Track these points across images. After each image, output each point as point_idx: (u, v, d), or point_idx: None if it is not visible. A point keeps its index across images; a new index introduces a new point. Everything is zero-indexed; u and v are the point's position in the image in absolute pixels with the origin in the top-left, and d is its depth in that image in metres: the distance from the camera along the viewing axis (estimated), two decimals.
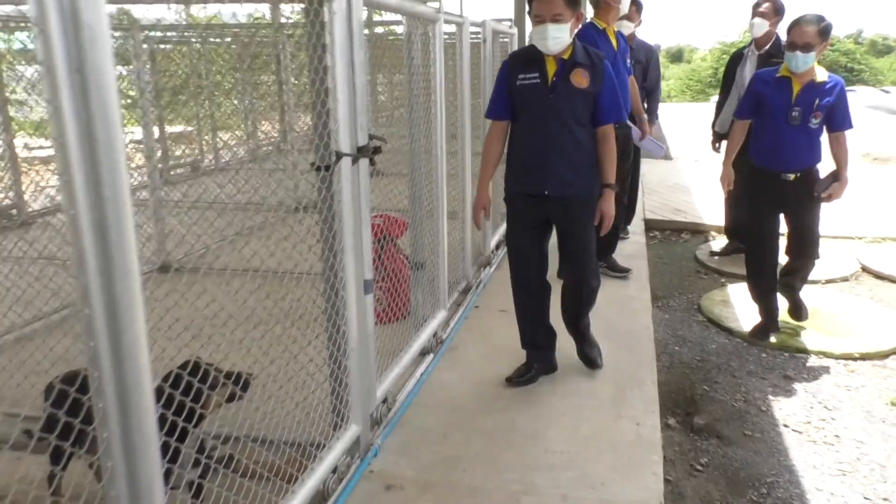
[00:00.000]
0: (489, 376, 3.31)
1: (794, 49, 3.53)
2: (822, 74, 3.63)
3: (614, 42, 4.52)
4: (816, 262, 3.97)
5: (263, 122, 9.10)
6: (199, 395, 1.89)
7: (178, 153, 8.34)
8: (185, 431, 1.80)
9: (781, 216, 3.90)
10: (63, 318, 4.03)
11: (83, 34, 1.20)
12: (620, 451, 2.72)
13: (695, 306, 4.72)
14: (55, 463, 2.23)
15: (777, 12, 5.00)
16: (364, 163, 2.48)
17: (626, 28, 5.11)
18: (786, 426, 3.23)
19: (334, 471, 2.42)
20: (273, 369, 2.41)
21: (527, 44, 3.59)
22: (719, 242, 6.03)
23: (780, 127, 3.67)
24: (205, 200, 6.16)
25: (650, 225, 6.61)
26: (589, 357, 3.40)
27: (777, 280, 4.02)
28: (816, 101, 3.60)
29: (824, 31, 3.53)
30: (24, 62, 5.77)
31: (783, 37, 4.28)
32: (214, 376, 1.97)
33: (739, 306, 4.60)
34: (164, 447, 1.55)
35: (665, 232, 6.58)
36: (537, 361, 3.31)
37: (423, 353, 3.51)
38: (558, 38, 2.87)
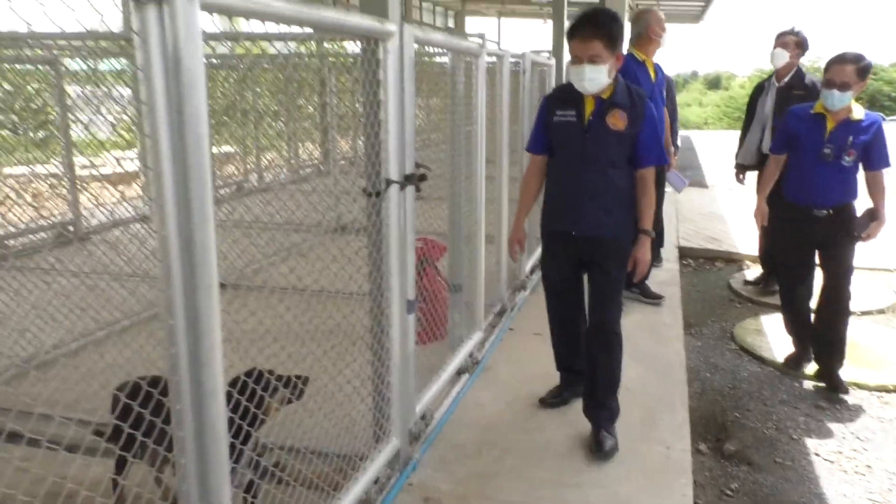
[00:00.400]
0: (523, 396, 3.42)
1: (831, 87, 3.52)
2: (858, 112, 3.59)
3: (653, 74, 4.64)
4: (849, 317, 3.88)
5: (305, 144, 9.40)
6: (260, 400, 2.05)
7: (224, 173, 8.64)
8: (247, 433, 1.95)
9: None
10: (123, 328, 4.24)
11: (184, 78, 1.38)
12: (650, 473, 2.80)
13: (728, 334, 4.76)
14: (118, 471, 2.39)
15: (799, 45, 5.03)
16: (410, 189, 2.64)
17: (781, 57, 5.06)
18: (817, 455, 3.27)
19: (376, 481, 2.56)
20: (320, 383, 2.56)
21: (565, 78, 3.64)
22: (753, 272, 6.05)
23: (811, 163, 3.66)
24: (254, 220, 6.40)
25: (684, 253, 6.66)
26: (598, 440, 2.96)
27: (809, 312, 3.99)
28: (850, 139, 3.58)
29: (863, 71, 3.50)
30: (89, 84, 6.13)
31: (817, 73, 4.36)
32: (273, 383, 2.12)
33: (773, 336, 4.64)
34: (229, 447, 1.70)
35: (699, 260, 6.63)
36: (571, 385, 3.35)
37: (460, 372, 3.63)
38: (595, 79, 2.80)
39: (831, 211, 3.66)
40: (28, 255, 5.88)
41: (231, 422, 1.76)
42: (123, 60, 5.51)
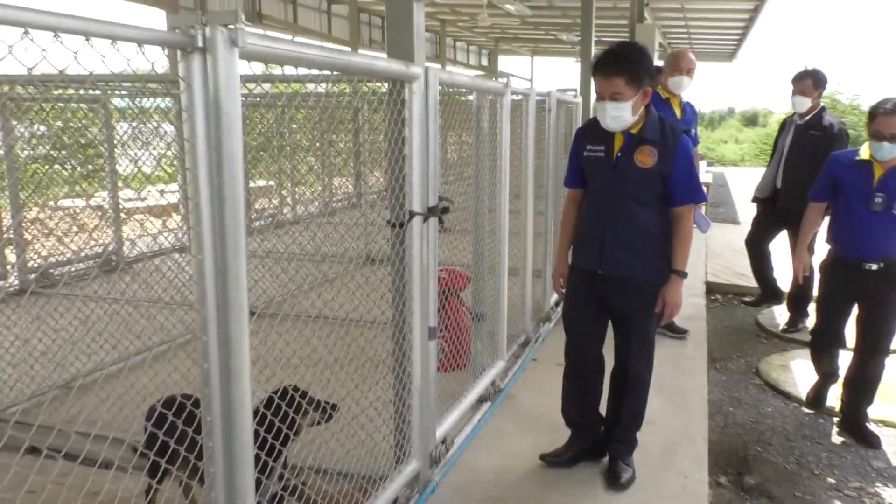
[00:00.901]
0: (544, 425, 3.48)
1: (880, 139, 3.33)
2: None
3: (678, 112, 4.72)
4: (886, 362, 3.69)
5: (336, 179, 9.67)
6: (291, 419, 2.18)
7: (258, 206, 8.92)
8: (275, 448, 2.08)
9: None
10: (163, 351, 4.42)
11: (223, 122, 1.54)
12: (665, 501, 2.85)
13: (753, 369, 4.76)
14: (152, 477, 2.53)
15: (817, 85, 5.10)
16: (433, 221, 2.77)
17: (803, 104, 5.19)
18: (837, 490, 3.26)
19: (395, 501, 2.65)
20: (344, 406, 2.67)
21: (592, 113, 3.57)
22: (783, 308, 6.01)
23: (859, 213, 3.45)
24: (285, 251, 6.61)
25: (712, 288, 6.66)
26: (614, 471, 3.00)
27: (837, 366, 3.96)
28: None
29: None
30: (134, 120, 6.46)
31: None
32: (304, 406, 2.26)
33: (798, 372, 4.62)
34: (256, 459, 1.82)
35: (727, 295, 6.62)
36: (579, 444, 3.16)
37: (481, 400, 3.72)
38: (617, 116, 2.75)
39: (882, 265, 3.46)
40: (74, 282, 6.16)
41: (258, 435, 1.90)
42: (168, 99, 5.83)
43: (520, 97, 4.32)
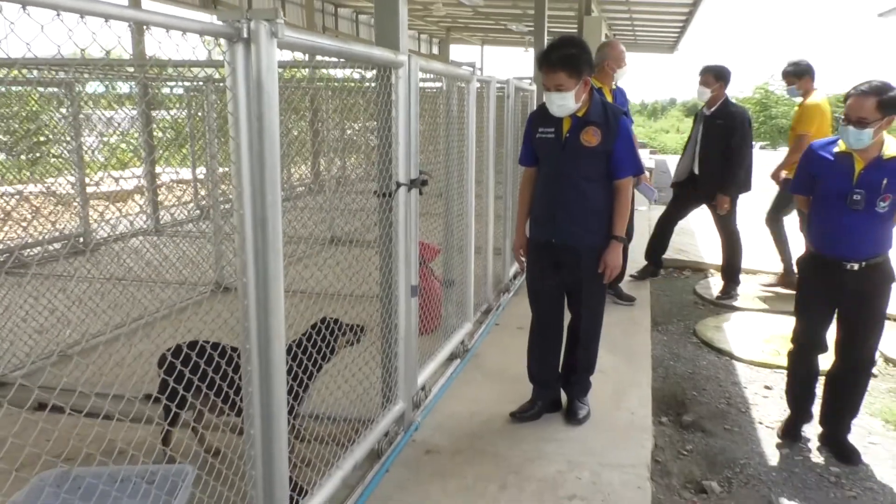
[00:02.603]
0: (509, 376, 3.91)
1: (846, 123, 3.02)
2: (893, 149, 3.05)
3: (609, 99, 5.17)
4: (872, 372, 3.43)
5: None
6: (332, 337, 2.72)
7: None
8: (318, 366, 2.58)
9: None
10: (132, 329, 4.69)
11: (264, 98, 1.89)
12: (617, 432, 3.32)
13: (690, 331, 5.30)
14: (167, 419, 2.85)
15: (717, 78, 5.68)
16: (415, 191, 3.15)
17: (704, 94, 5.71)
18: (760, 423, 3.79)
19: (386, 434, 3.04)
20: (340, 361, 3.04)
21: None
22: (718, 280, 6.61)
23: (838, 211, 3.11)
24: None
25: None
26: (572, 409, 3.44)
27: (816, 375, 3.53)
28: (885, 182, 3.02)
29: (887, 105, 2.95)
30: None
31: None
32: (342, 326, 2.79)
33: (730, 331, 5.19)
34: (299, 383, 2.22)
35: (668, 269, 7.18)
36: (542, 398, 3.50)
37: (452, 357, 4.13)
38: (562, 104, 3.11)
39: (864, 264, 3.11)
40: (44, 263, 6.30)
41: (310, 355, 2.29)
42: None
43: (481, 85, 4.71)
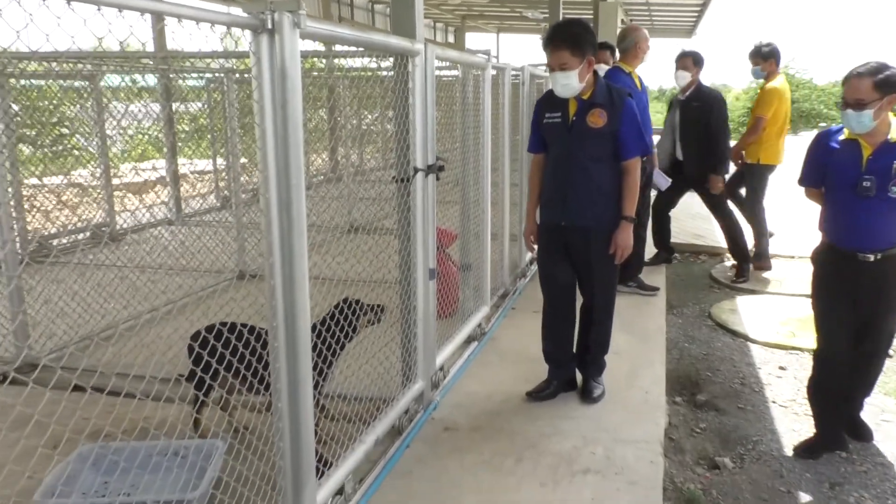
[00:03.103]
0: (525, 358, 4.00)
1: (845, 107, 2.92)
2: None
3: (638, 84, 5.22)
4: (887, 360, 3.31)
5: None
6: (354, 317, 2.82)
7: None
8: (341, 345, 2.70)
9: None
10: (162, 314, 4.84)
11: (288, 86, 1.99)
12: (631, 410, 3.40)
13: (706, 314, 5.35)
14: (198, 394, 2.96)
15: (696, 63, 5.80)
16: (432, 176, 3.24)
17: (684, 78, 5.82)
18: (774, 402, 3.85)
19: (406, 412, 3.15)
20: (360, 344, 3.14)
21: None
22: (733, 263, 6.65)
23: (851, 199, 2.99)
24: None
25: (672, 247, 7.25)
26: (587, 389, 3.52)
27: (845, 391, 3.26)
28: (895, 165, 2.90)
29: (884, 84, 2.84)
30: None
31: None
32: (363, 307, 2.91)
33: (745, 314, 5.23)
34: (323, 360, 2.32)
35: (685, 254, 7.22)
36: (557, 378, 3.58)
37: (469, 340, 4.23)
38: (566, 84, 3.16)
39: (880, 255, 2.97)
40: (71, 252, 6.48)
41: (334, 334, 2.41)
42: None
43: (496, 72, 4.78)
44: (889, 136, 2.92)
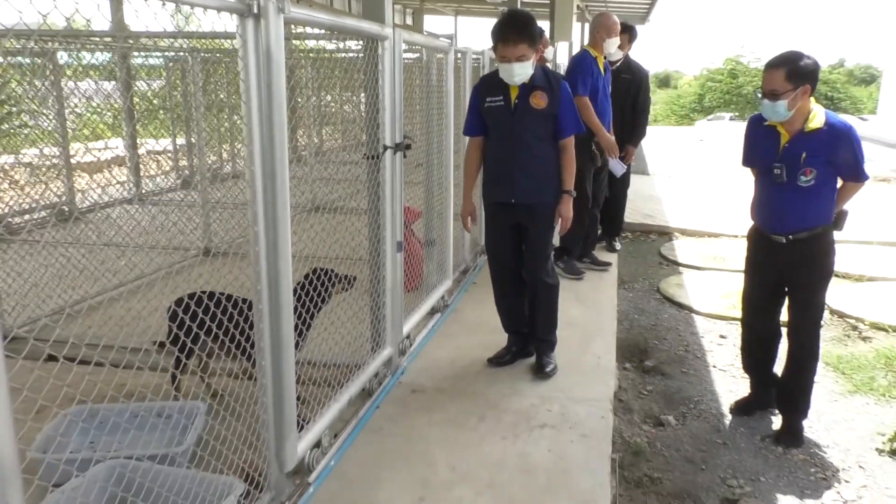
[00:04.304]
0: (486, 328, 4.24)
1: (763, 96, 3.00)
2: (817, 121, 2.98)
3: (602, 69, 5.43)
4: (816, 367, 3.33)
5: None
6: (325, 286, 2.98)
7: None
8: (314, 310, 2.86)
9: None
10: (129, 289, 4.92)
11: (272, 66, 2.15)
12: (584, 373, 3.68)
13: (655, 288, 5.68)
14: (174, 364, 3.11)
15: (630, 37, 5.96)
16: (399, 154, 3.43)
17: (618, 51, 5.78)
18: (714, 366, 4.18)
19: (376, 375, 3.35)
20: (332, 312, 3.32)
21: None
22: (681, 242, 7.01)
23: (767, 183, 3.14)
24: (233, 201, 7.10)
25: (624, 227, 7.59)
26: (540, 364, 3.67)
27: (769, 354, 3.47)
28: (804, 155, 2.99)
29: (795, 75, 2.90)
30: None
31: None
32: (336, 275, 3.08)
33: (690, 288, 5.58)
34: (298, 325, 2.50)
35: (636, 233, 7.57)
36: (516, 345, 3.82)
37: (433, 312, 4.45)
38: (522, 73, 3.34)
39: (791, 237, 3.10)
40: (32, 230, 6.46)
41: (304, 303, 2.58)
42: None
43: (459, 56, 4.97)
44: (804, 126, 2.99)
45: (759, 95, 3.03)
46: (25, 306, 4.15)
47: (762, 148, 3.15)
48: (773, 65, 2.97)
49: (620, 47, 5.81)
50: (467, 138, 5.10)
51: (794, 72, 2.90)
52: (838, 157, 2.99)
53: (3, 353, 1.38)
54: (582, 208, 5.06)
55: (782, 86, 2.91)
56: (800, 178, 3.01)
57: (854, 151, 2.99)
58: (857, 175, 3.05)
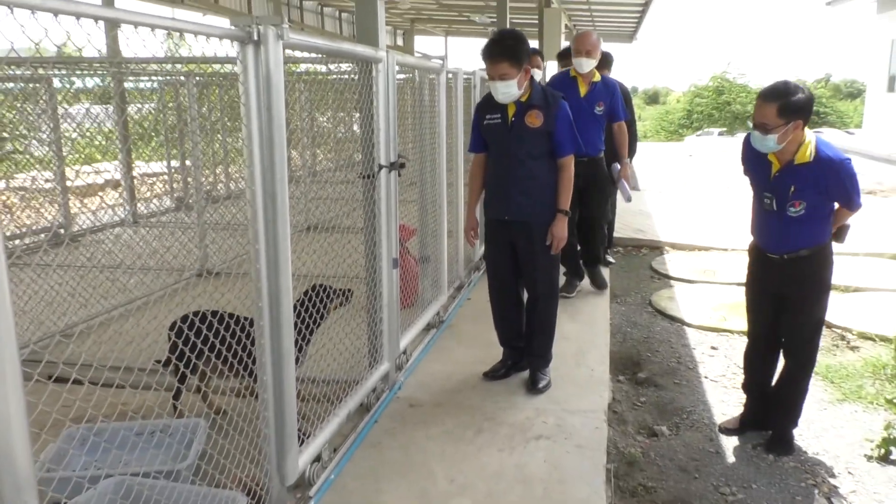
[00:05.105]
0: (481, 342, 4.30)
1: (754, 127, 2.96)
2: (807, 154, 2.93)
3: (583, 90, 5.46)
4: (808, 383, 3.34)
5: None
6: (322, 304, 3.04)
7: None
8: (317, 324, 2.93)
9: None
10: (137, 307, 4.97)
11: (272, 90, 2.24)
12: (578, 385, 3.74)
13: (647, 302, 5.76)
14: (178, 379, 3.16)
15: (607, 65, 5.98)
16: (394, 173, 3.51)
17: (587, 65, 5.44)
18: (706, 377, 4.25)
19: (374, 390, 3.41)
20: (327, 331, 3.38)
21: None
22: (672, 256, 7.10)
23: (760, 207, 3.16)
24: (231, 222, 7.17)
25: (615, 242, 7.69)
26: (533, 379, 3.69)
27: (771, 371, 3.44)
28: (792, 189, 2.97)
29: (787, 110, 2.84)
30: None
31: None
32: (333, 290, 3.15)
33: (682, 301, 5.66)
34: (297, 340, 2.55)
35: (627, 248, 7.67)
36: (511, 359, 3.87)
37: (429, 327, 4.51)
38: (507, 92, 3.40)
39: (786, 257, 3.10)
40: (29, 253, 6.50)
41: (304, 319, 2.64)
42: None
43: (450, 76, 5.07)
44: (794, 158, 2.95)
45: (751, 125, 2.98)
46: (25, 329, 4.19)
47: (754, 171, 3.14)
48: (765, 97, 2.90)
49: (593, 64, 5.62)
50: (460, 157, 5.27)
51: (785, 107, 2.84)
52: (829, 190, 2.96)
53: (20, 367, 1.44)
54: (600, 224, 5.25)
55: (773, 121, 2.86)
56: (789, 209, 3.00)
57: (844, 185, 2.94)
58: (848, 205, 3.03)
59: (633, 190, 6.91)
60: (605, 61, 5.99)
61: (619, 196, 5.83)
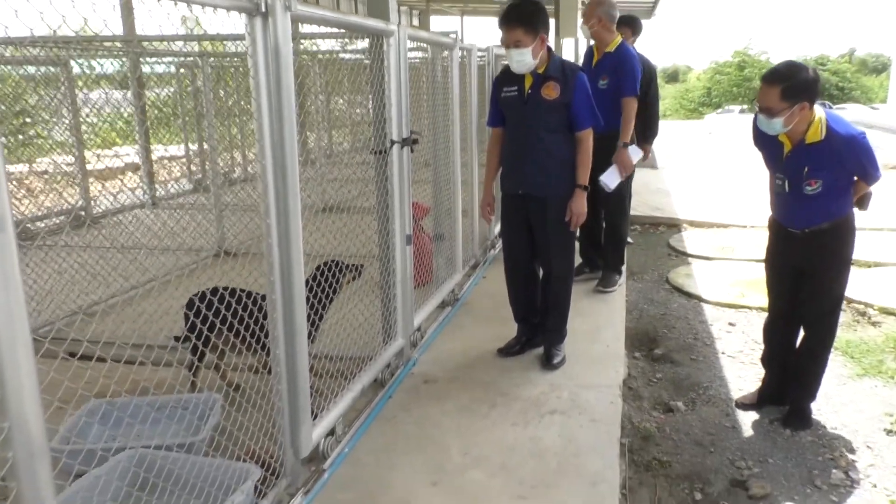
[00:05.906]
0: (496, 319, 4.29)
1: (759, 111, 2.93)
2: (818, 133, 2.88)
3: (594, 61, 5.32)
4: (828, 356, 3.31)
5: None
6: (336, 276, 3.07)
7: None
8: (329, 299, 2.96)
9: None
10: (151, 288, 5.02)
11: (281, 62, 2.22)
12: (594, 361, 3.72)
13: (664, 279, 5.72)
14: (194, 354, 3.19)
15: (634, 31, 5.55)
16: (407, 149, 3.49)
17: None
18: (723, 353, 4.21)
19: (388, 366, 3.42)
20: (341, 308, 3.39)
21: None
22: (689, 233, 7.03)
23: (774, 186, 3.14)
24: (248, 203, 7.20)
25: (633, 220, 7.61)
26: (548, 355, 3.66)
27: (787, 346, 3.40)
28: (806, 169, 2.94)
29: (792, 93, 2.79)
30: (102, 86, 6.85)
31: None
32: (346, 265, 3.17)
33: (699, 278, 5.61)
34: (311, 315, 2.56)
35: (645, 225, 7.61)
36: (526, 335, 3.84)
37: (444, 305, 4.51)
38: (521, 60, 3.32)
39: (807, 230, 3.07)
40: (50, 235, 6.59)
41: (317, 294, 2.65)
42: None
43: (464, 53, 5.03)
44: (804, 137, 2.91)
45: (757, 108, 2.93)
46: (42, 310, 4.25)
47: (767, 150, 3.11)
48: (767, 81, 2.86)
49: (625, 39, 5.59)
50: (474, 136, 5.23)
51: (789, 90, 2.79)
52: (844, 165, 2.91)
53: (31, 337, 1.46)
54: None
55: (777, 104, 2.82)
56: (805, 188, 2.96)
57: (859, 159, 2.89)
58: (865, 178, 2.97)
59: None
60: (629, 26, 5.45)
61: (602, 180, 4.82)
